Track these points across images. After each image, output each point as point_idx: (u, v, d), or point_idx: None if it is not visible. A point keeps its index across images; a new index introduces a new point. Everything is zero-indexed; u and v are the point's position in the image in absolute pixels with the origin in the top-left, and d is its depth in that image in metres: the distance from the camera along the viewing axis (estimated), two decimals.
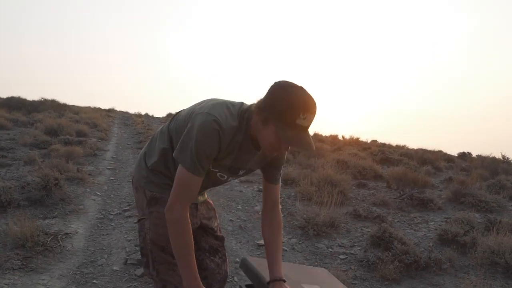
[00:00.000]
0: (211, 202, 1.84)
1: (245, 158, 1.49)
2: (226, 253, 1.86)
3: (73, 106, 19.71)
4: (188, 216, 1.43)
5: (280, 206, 1.70)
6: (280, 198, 5.64)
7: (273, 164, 1.61)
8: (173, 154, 1.44)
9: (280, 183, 1.70)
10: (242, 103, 1.47)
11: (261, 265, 1.82)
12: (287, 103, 1.27)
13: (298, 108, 1.27)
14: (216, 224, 1.82)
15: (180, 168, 1.40)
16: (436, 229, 4.49)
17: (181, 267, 1.44)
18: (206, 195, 1.81)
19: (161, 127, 1.66)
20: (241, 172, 1.56)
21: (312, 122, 1.33)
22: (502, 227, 4.17)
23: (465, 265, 3.58)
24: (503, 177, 7.74)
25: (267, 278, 1.60)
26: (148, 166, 1.60)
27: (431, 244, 4.07)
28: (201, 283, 1.46)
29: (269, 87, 1.36)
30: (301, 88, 1.32)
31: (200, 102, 1.53)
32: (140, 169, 1.64)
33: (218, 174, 1.51)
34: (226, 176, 1.55)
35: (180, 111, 1.62)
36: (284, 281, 1.56)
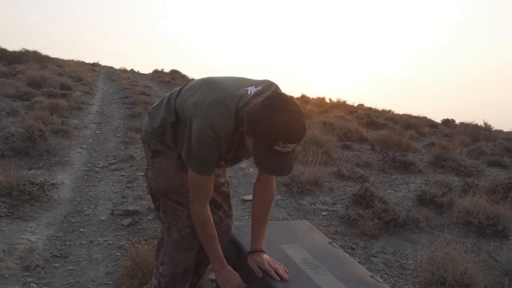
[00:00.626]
0: None
1: (245, 149, 1.48)
2: (232, 212, 1.89)
3: (56, 58, 19.11)
4: (209, 211, 1.53)
5: (274, 182, 1.69)
6: None
7: None
8: (182, 156, 1.49)
9: None
10: (241, 96, 1.40)
11: (243, 233, 1.87)
12: (268, 129, 1.23)
13: (278, 136, 1.22)
14: (223, 181, 1.84)
15: (190, 170, 1.48)
16: (415, 190, 4.63)
17: (208, 254, 1.58)
18: None
19: (168, 95, 1.66)
20: (243, 160, 1.63)
21: (295, 147, 1.28)
22: (478, 190, 4.33)
23: (440, 224, 3.74)
24: (483, 144, 7.94)
25: (248, 245, 1.68)
26: (151, 125, 1.65)
27: (410, 204, 4.21)
28: (227, 265, 1.60)
29: (267, 98, 1.30)
30: (291, 111, 1.25)
31: (200, 85, 1.51)
32: (146, 125, 1.70)
33: (221, 163, 1.53)
34: (229, 165, 1.62)
35: (186, 84, 1.63)
36: (264, 251, 1.62)
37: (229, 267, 1.61)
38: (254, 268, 1.56)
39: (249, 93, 1.42)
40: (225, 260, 1.61)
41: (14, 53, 15.75)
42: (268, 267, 1.53)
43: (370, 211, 3.58)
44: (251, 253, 1.62)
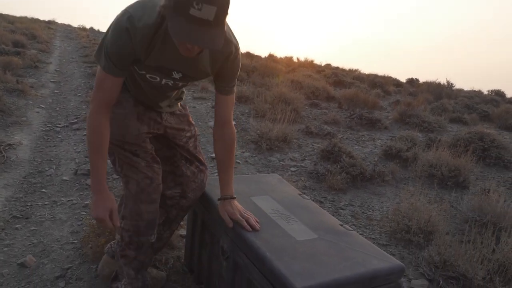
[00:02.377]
0: (187, 114, 1.78)
1: (172, 57, 1.35)
2: (206, 167, 1.82)
3: (7, 15, 17.89)
4: (103, 120, 1.39)
5: (233, 123, 1.62)
6: (234, 114, 5.60)
7: (221, 74, 1.48)
8: (93, 56, 1.41)
9: (234, 99, 1.60)
10: None
11: (212, 186, 1.83)
12: None
13: None
14: (188, 135, 1.74)
15: (98, 68, 1.37)
16: (382, 146, 4.73)
17: (90, 165, 1.43)
18: (179, 105, 1.74)
19: None
20: (175, 75, 1.43)
21: (218, 17, 1.10)
22: (441, 145, 4.47)
23: (405, 177, 3.85)
24: (445, 101, 8.17)
25: (217, 197, 1.64)
26: None
27: (376, 159, 4.30)
28: (105, 188, 1.42)
29: None
30: None
31: None
32: None
33: (147, 76, 1.42)
34: (158, 78, 1.43)
35: None
36: (234, 198, 1.58)
37: (108, 191, 1.44)
38: (225, 218, 1.52)
39: None
40: (105, 183, 1.43)
41: None
42: (239, 217, 1.49)
43: (338, 166, 3.63)
44: (221, 199, 1.57)
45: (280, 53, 15.45)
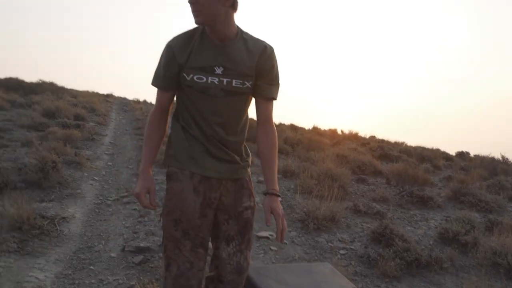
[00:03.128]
0: (250, 186, 1.73)
1: (209, 54, 1.55)
2: (247, 248, 1.70)
3: (71, 89, 19.54)
4: (157, 118, 1.67)
5: (273, 124, 1.73)
6: (280, 190, 5.56)
7: (262, 71, 1.60)
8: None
9: (273, 102, 1.70)
10: None
11: (263, 276, 1.77)
12: None
13: None
14: (247, 204, 1.69)
15: None
16: (436, 227, 4.46)
17: (142, 152, 1.69)
18: (248, 171, 1.73)
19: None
20: (218, 70, 1.55)
21: None
22: (503, 228, 4.15)
23: (466, 265, 3.56)
24: (502, 178, 7.71)
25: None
26: (170, 137, 1.71)
27: (431, 243, 4.04)
28: (148, 170, 1.65)
29: None
30: None
31: None
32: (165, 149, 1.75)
33: (195, 77, 1.56)
34: (204, 78, 1.55)
35: None
36: (279, 195, 1.64)
37: (150, 175, 1.65)
38: (267, 214, 1.59)
39: None
40: (149, 167, 1.66)
41: (31, 84, 16.16)
42: (281, 222, 1.57)
43: (391, 250, 3.42)
44: (268, 194, 1.62)
45: (323, 124, 15.56)
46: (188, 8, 1.50)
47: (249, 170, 1.75)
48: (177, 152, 1.63)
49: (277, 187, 1.65)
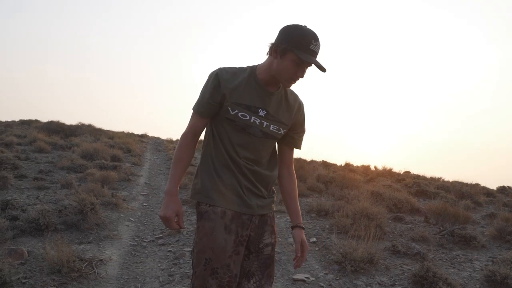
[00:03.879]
0: (271, 216, 1.83)
1: (255, 96, 1.67)
2: (268, 277, 1.75)
3: (108, 130, 20.25)
4: (187, 142, 1.71)
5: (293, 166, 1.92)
6: (315, 230, 5.45)
7: (296, 123, 1.79)
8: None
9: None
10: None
11: None
12: (302, 33, 1.56)
13: (310, 36, 1.56)
14: (268, 241, 1.77)
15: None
16: (482, 269, 4.22)
17: (170, 174, 1.71)
18: (273, 207, 1.82)
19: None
20: (261, 112, 1.68)
21: (319, 52, 1.60)
22: None
23: None
24: None
25: None
26: (198, 169, 1.77)
27: (478, 286, 3.81)
28: (176, 192, 1.67)
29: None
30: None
31: None
32: (193, 181, 1.80)
33: (239, 114, 1.65)
34: (248, 116, 1.66)
35: None
36: (303, 228, 1.83)
37: (178, 197, 1.67)
38: (297, 246, 1.79)
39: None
40: (177, 189, 1.67)
41: (71, 127, 16.89)
42: (306, 253, 1.80)
43: None
44: (296, 227, 1.82)
45: (356, 160, 15.34)
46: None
47: (273, 206, 1.84)
48: (207, 186, 1.68)
49: (301, 219, 1.85)
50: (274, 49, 1.61)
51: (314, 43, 1.56)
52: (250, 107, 1.67)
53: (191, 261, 1.72)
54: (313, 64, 1.59)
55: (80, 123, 18.26)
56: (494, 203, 9.93)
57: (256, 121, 1.68)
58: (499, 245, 5.46)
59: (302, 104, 1.82)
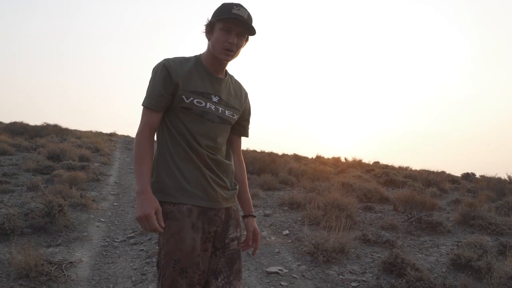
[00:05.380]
0: (235, 209, 1.81)
1: (206, 82, 1.69)
2: (237, 272, 1.73)
3: (75, 130, 19.72)
4: (144, 137, 1.63)
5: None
6: (287, 222, 5.48)
7: (244, 112, 1.85)
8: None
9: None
10: None
11: None
12: (222, 4, 1.64)
13: (230, 3, 1.63)
14: (234, 235, 1.74)
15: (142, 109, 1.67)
16: (448, 254, 4.39)
17: (135, 174, 1.62)
18: (235, 200, 1.81)
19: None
20: (214, 98, 1.69)
21: (250, 20, 1.63)
22: None
23: None
24: (510, 199, 7.64)
25: None
26: (155, 168, 1.69)
27: (444, 270, 3.97)
28: (149, 190, 1.57)
29: None
30: None
31: None
32: (150, 181, 1.68)
33: (195, 101, 1.65)
34: (203, 102, 1.66)
35: None
36: (254, 216, 1.88)
37: (152, 194, 1.58)
38: (249, 235, 1.84)
39: None
40: (148, 186, 1.58)
41: (35, 127, 16.33)
42: (259, 241, 1.88)
43: (404, 280, 3.37)
44: (248, 216, 1.87)
45: (326, 153, 15.57)
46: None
47: (236, 198, 1.83)
48: (167, 184, 1.63)
49: (252, 208, 1.91)
50: (206, 31, 1.67)
51: (236, 8, 1.61)
52: (203, 94, 1.67)
53: (156, 261, 1.64)
54: (245, 28, 1.63)
55: (45, 123, 17.69)
56: (459, 190, 10.33)
57: (212, 107, 1.68)
58: (463, 229, 5.69)
59: (247, 93, 1.88)
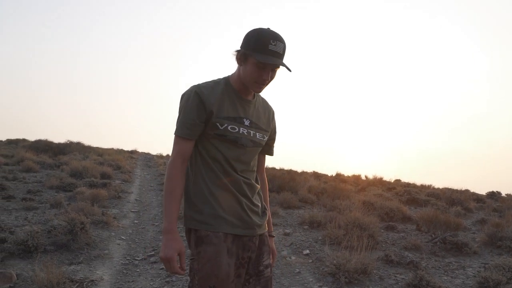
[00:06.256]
0: (267, 235, 1.80)
1: (238, 106, 1.65)
2: None
3: (98, 148, 20.13)
4: (177, 170, 1.59)
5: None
6: (307, 242, 5.44)
7: (272, 132, 1.84)
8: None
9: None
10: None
11: None
12: (259, 35, 1.54)
13: (268, 37, 1.53)
14: (267, 262, 1.73)
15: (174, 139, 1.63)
16: (475, 276, 4.24)
17: (164, 208, 1.59)
18: (266, 227, 1.79)
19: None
20: (246, 122, 1.66)
21: (285, 52, 1.58)
22: None
23: None
24: None
25: None
26: (189, 195, 1.65)
27: None
28: (176, 230, 1.55)
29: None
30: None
31: None
32: (184, 207, 1.68)
33: (229, 127, 1.61)
34: (236, 128, 1.63)
35: None
36: (274, 236, 1.88)
37: (178, 234, 1.56)
38: (273, 250, 1.85)
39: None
40: (176, 225, 1.56)
41: (59, 145, 16.73)
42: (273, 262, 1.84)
43: None
44: (271, 236, 1.85)
45: (346, 171, 15.40)
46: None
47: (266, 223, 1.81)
48: (204, 213, 1.58)
49: (271, 228, 1.89)
50: (237, 57, 1.61)
51: (273, 43, 1.53)
52: (236, 118, 1.63)
53: (188, 286, 1.59)
54: (280, 66, 1.57)
55: (68, 141, 18.10)
56: (484, 209, 10.03)
57: (244, 132, 1.65)
58: (490, 250, 5.50)
59: (274, 112, 1.86)
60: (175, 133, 1.62)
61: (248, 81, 1.60)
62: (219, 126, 1.60)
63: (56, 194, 7.46)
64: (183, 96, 1.64)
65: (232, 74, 1.69)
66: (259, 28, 1.57)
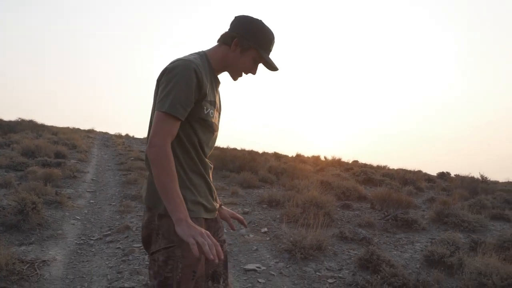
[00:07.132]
0: (218, 214, 1.78)
1: (214, 89, 1.60)
2: (230, 282, 1.75)
3: (52, 126, 19.32)
4: (171, 152, 1.41)
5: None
6: (266, 220, 5.48)
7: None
8: (156, 108, 1.46)
9: None
10: (197, 54, 1.59)
11: None
12: (265, 32, 1.58)
13: (272, 36, 1.60)
14: (223, 238, 1.73)
15: (157, 113, 1.43)
16: (422, 250, 4.48)
17: (171, 199, 1.37)
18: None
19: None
20: (217, 105, 1.64)
21: None
22: (486, 247, 4.20)
23: (453, 287, 3.57)
24: (483, 197, 7.86)
25: None
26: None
27: (418, 266, 4.05)
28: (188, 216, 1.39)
29: (234, 20, 1.59)
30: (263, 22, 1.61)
31: None
32: (154, 189, 1.48)
33: (210, 112, 1.55)
34: (215, 113, 1.61)
35: None
36: (222, 204, 1.84)
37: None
38: (229, 220, 1.82)
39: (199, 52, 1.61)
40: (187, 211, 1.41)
41: (10, 123, 15.92)
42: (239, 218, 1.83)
43: (379, 277, 3.42)
44: (220, 208, 1.79)
45: (306, 151, 15.69)
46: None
47: None
48: (186, 198, 1.48)
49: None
50: (236, 43, 1.55)
51: (273, 43, 1.61)
52: (212, 102, 1.56)
53: (163, 275, 1.44)
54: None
55: (20, 118, 17.26)
56: (434, 188, 10.57)
57: (216, 116, 1.63)
58: (437, 226, 5.82)
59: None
60: (167, 111, 1.40)
61: (235, 69, 1.61)
62: (205, 109, 1.51)
63: (5, 173, 7.12)
64: (176, 70, 1.44)
65: (211, 51, 1.61)
66: (261, 23, 1.59)
